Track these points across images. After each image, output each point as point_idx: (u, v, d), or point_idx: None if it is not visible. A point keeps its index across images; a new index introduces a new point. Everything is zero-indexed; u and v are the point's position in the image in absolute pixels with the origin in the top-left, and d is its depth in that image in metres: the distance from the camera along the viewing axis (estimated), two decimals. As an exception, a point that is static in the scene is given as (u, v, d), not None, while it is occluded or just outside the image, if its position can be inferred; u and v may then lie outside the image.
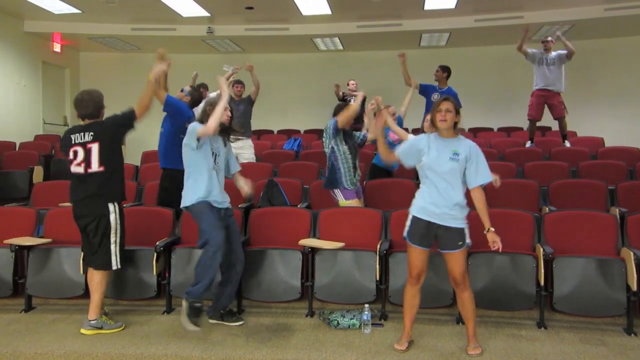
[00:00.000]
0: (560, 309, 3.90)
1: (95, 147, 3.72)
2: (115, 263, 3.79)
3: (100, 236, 3.74)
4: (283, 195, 5.30)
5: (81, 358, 3.43)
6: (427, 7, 8.72)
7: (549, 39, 7.37)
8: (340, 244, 4.19)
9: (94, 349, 3.49)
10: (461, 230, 3.30)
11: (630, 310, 3.78)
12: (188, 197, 3.80)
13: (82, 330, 3.76)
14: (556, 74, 7.32)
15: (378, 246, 4.10)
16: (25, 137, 9.24)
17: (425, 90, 7.11)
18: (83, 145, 3.74)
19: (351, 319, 3.85)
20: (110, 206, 3.75)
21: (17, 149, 8.36)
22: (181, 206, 3.88)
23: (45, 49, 10.33)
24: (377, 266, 4.02)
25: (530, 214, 4.39)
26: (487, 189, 3.40)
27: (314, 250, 4.20)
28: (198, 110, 5.17)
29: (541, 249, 3.89)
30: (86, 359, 3.43)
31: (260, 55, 10.87)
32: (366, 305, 3.84)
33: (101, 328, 3.76)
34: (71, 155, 3.77)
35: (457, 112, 3.34)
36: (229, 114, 3.91)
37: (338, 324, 3.84)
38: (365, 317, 3.77)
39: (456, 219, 3.29)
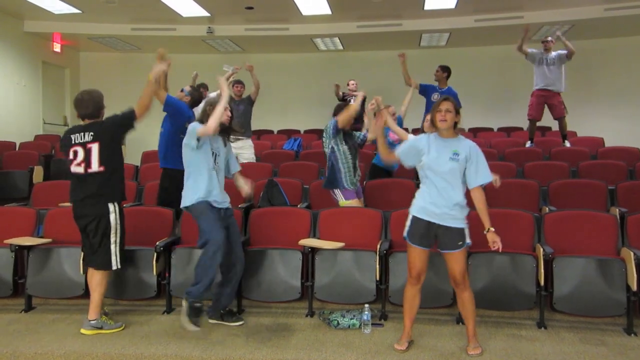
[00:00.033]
0: (560, 309, 3.90)
1: (95, 147, 3.72)
2: (115, 263, 3.79)
3: (100, 236, 3.74)
4: (283, 195, 5.30)
5: (81, 358, 3.43)
6: (427, 7, 8.72)
7: (549, 39, 7.37)
8: (340, 244, 4.19)
9: (94, 349, 3.49)
10: (461, 230, 3.30)
11: (630, 310, 3.78)
12: (188, 197, 3.80)
13: (82, 330, 3.76)
14: (556, 74, 7.32)
15: (378, 246, 4.10)
16: (25, 137, 9.24)
17: (425, 90, 7.10)
18: (83, 145, 3.74)
19: (351, 319, 3.85)
20: (110, 206, 3.75)
21: (17, 149, 8.36)
22: (181, 206, 3.88)
23: (45, 49, 10.33)
24: (377, 266, 4.02)
25: (530, 214, 4.39)
26: (487, 189, 3.40)
27: (314, 250, 4.20)
28: (198, 110, 5.17)
29: (541, 249, 3.89)
30: (86, 359, 3.43)
31: (260, 55, 10.87)
32: (366, 305, 3.84)
33: (101, 328, 3.76)
34: (71, 155, 3.77)
35: (457, 112, 3.34)
36: (229, 114, 3.91)
37: (338, 324, 3.84)
38: (365, 317, 3.77)
39: (456, 219, 3.29)
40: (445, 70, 7.19)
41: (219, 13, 9.24)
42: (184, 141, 3.82)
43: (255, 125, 7.95)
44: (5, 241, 4.32)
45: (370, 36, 9.89)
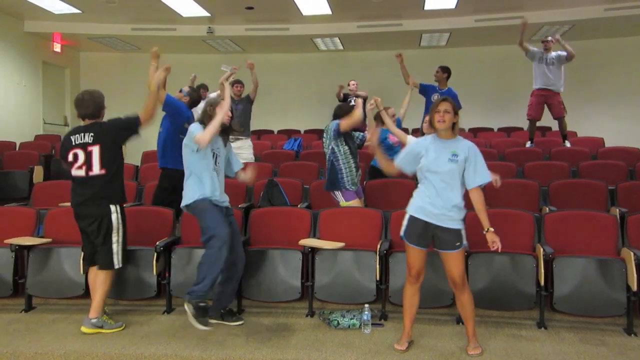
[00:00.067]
0: (560, 309, 3.90)
1: (96, 150, 3.72)
2: (117, 262, 3.80)
3: (102, 236, 3.74)
4: (283, 195, 5.30)
5: (81, 358, 3.43)
6: (427, 7, 8.72)
7: (549, 38, 7.36)
8: (340, 244, 4.19)
9: (94, 349, 3.49)
10: (458, 231, 3.30)
11: (631, 310, 3.78)
12: (189, 195, 3.79)
13: (83, 328, 3.76)
14: (556, 74, 7.32)
15: (378, 246, 4.10)
16: (25, 137, 9.24)
17: (425, 91, 7.10)
18: (83, 147, 3.74)
19: (351, 319, 3.85)
20: (112, 207, 3.76)
21: (17, 149, 8.37)
22: (182, 205, 3.87)
23: (45, 49, 10.33)
24: (377, 266, 4.03)
25: (531, 214, 4.39)
26: (487, 189, 3.40)
27: (314, 250, 4.20)
28: (197, 110, 5.18)
29: (541, 249, 3.89)
30: (86, 358, 3.43)
31: (260, 55, 10.85)
32: (366, 305, 3.84)
33: (101, 327, 3.76)
34: (71, 158, 3.77)
35: (456, 113, 3.34)
36: (230, 114, 3.91)
37: (338, 324, 3.84)
38: (365, 317, 3.77)
39: (454, 220, 3.29)
40: (446, 71, 7.18)
41: (219, 13, 9.24)
42: (184, 142, 3.82)
43: (255, 125, 7.95)
44: (6, 241, 4.33)
45: (370, 36, 9.89)
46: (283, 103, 11.24)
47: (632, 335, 3.72)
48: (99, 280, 3.80)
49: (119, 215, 3.78)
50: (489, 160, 3.42)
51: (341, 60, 11.18)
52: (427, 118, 4.20)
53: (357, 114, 4.67)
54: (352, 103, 5.39)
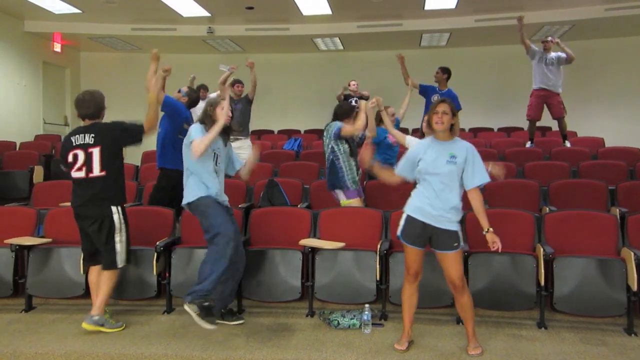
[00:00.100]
0: (560, 309, 3.90)
1: (96, 152, 3.72)
2: (119, 262, 3.80)
3: (105, 236, 3.74)
4: (283, 195, 5.30)
5: (81, 358, 3.43)
6: (427, 7, 8.73)
7: (549, 38, 7.36)
8: (340, 244, 4.19)
9: (94, 348, 3.49)
10: (455, 232, 3.30)
11: (631, 310, 3.77)
12: (191, 194, 3.78)
13: (84, 324, 3.73)
14: (556, 75, 7.32)
15: (378, 246, 4.10)
16: (25, 137, 9.25)
17: (425, 91, 7.10)
18: (84, 148, 3.74)
19: (351, 319, 3.85)
20: (113, 208, 3.76)
21: (17, 149, 8.37)
22: (183, 203, 3.86)
23: (45, 49, 10.33)
24: (378, 266, 4.03)
25: (531, 214, 4.39)
26: (488, 188, 3.39)
27: (314, 250, 4.20)
28: (197, 111, 5.18)
29: (541, 249, 3.89)
30: (86, 358, 3.43)
31: (260, 55, 10.83)
32: (366, 305, 3.84)
33: (102, 325, 3.76)
34: (70, 159, 3.77)
35: (454, 114, 3.33)
36: (230, 114, 3.91)
37: (338, 324, 3.84)
38: (365, 317, 3.77)
39: (452, 222, 3.29)
40: (446, 71, 7.18)
41: (219, 13, 9.24)
42: (185, 141, 3.82)
43: (256, 125, 7.96)
44: (6, 241, 4.33)
45: (370, 36, 9.89)
46: (283, 103, 11.24)
47: (633, 335, 3.72)
48: (103, 279, 3.81)
49: (121, 216, 3.79)
50: (489, 161, 3.41)
51: (341, 60, 11.18)
52: (426, 118, 4.20)
53: (360, 122, 4.65)
54: (353, 103, 5.38)
